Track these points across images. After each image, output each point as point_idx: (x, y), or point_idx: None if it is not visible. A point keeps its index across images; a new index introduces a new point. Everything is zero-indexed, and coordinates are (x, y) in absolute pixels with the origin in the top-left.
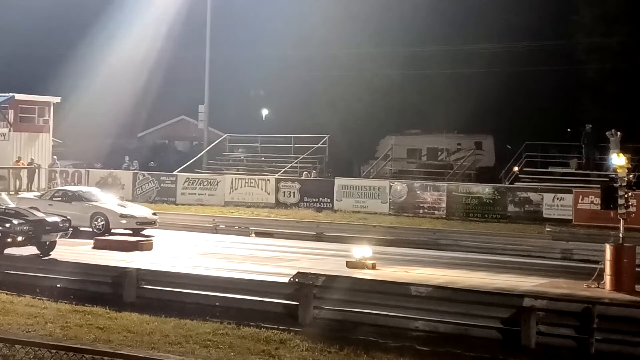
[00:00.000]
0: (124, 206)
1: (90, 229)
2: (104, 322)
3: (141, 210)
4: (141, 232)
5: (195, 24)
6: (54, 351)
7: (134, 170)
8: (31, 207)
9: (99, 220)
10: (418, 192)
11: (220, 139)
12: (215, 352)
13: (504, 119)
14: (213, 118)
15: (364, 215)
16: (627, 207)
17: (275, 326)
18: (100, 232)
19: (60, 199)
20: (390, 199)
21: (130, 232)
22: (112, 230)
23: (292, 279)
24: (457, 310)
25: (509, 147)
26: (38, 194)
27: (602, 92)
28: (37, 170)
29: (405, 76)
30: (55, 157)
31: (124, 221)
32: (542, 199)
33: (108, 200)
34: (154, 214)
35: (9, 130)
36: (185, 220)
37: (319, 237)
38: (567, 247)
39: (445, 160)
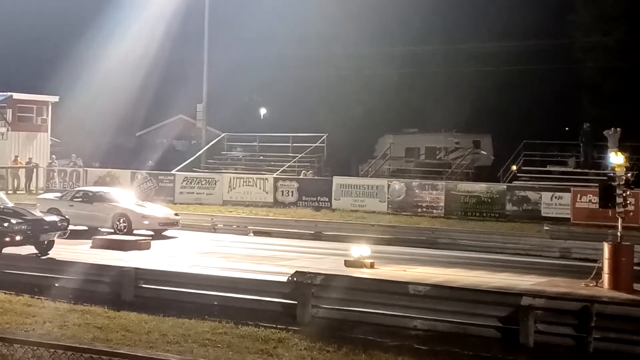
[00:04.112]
0: (143, 206)
1: (112, 230)
2: (102, 322)
3: (163, 211)
4: (162, 233)
5: (194, 23)
6: (52, 350)
7: (79, 167)
8: (51, 208)
9: (121, 221)
10: (416, 191)
11: (219, 138)
12: (214, 351)
13: (502, 118)
14: (211, 117)
15: (362, 214)
16: (625, 205)
17: (274, 325)
18: (122, 234)
19: (81, 199)
20: (388, 197)
21: (152, 233)
22: (134, 232)
23: (290, 278)
24: (456, 309)
25: (486, 152)
26: (58, 194)
27: (600, 90)
28: (35, 170)
29: (403, 75)
30: (54, 156)
31: (146, 222)
32: (540, 197)
33: (128, 201)
34: (176, 214)
35: (7, 130)
36: (184, 220)
37: (317, 236)
38: (565, 245)
39: (443, 159)
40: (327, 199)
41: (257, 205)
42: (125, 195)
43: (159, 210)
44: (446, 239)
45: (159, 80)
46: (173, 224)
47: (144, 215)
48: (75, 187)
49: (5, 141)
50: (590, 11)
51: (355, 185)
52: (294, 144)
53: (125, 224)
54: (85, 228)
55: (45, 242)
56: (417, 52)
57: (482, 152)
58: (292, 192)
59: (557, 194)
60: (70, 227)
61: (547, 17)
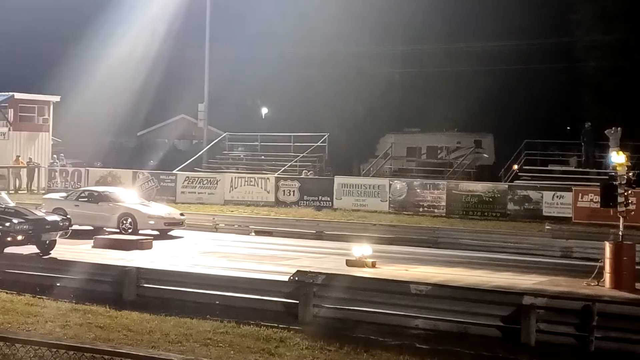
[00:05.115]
0: (148, 206)
1: (118, 230)
2: (104, 321)
3: (168, 211)
4: (168, 233)
5: (195, 22)
6: (54, 350)
7: (62, 167)
8: (57, 208)
9: (126, 221)
10: (418, 190)
11: (220, 137)
12: (216, 350)
13: (504, 117)
14: (213, 117)
15: (364, 214)
16: (626, 204)
17: (275, 324)
18: (128, 233)
19: (86, 199)
20: (390, 197)
21: (157, 232)
22: (140, 231)
23: (292, 278)
24: (457, 308)
25: (487, 152)
26: (64, 194)
27: (602, 89)
28: (36, 170)
29: (405, 74)
30: (55, 155)
31: (152, 222)
32: (542, 197)
33: (134, 201)
34: (182, 214)
35: (9, 130)
36: (185, 219)
37: (318, 236)
38: (566, 245)
39: (444, 159)
40: (328, 199)
41: (259, 205)
42: (130, 195)
43: (164, 209)
44: (447, 238)
45: (160, 79)
46: (179, 223)
47: (150, 215)
48: (77, 187)
49: (7, 141)
50: (591, 9)
51: (356, 184)
52: (296, 144)
53: (130, 224)
54: (90, 228)
55: (47, 242)
56: (418, 52)
57: (484, 155)
58: (294, 191)
59: (559, 193)
60: (76, 226)
61: (548, 16)
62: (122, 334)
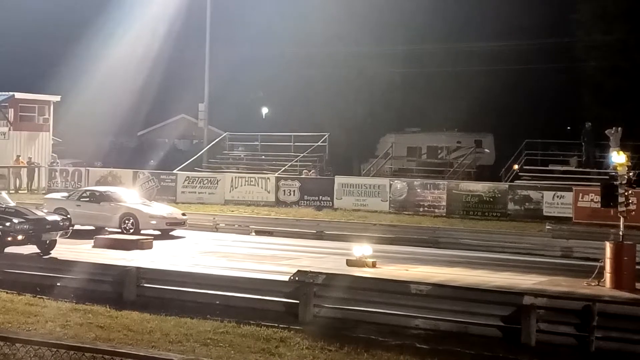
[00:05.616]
0: (150, 206)
1: (119, 230)
2: (104, 321)
3: (170, 210)
4: (170, 233)
5: (196, 22)
6: (55, 350)
7: (57, 166)
8: (58, 208)
9: (128, 221)
10: (418, 190)
11: (220, 137)
12: (216, 350)
13: (504, 117)
14: (213, 116)
15: (364, 214)
16: (627, 204)
17: (276, 324)
18: (130, 233)
19: (88, 199)
20: (390, 197)
21: (159, 232)
22: (142, 232)
23: (292, 278)
24: (457, 308)
25: (488, 151)
26: (65, 194)
27: (602, 89)
28: (37, 169)
29: (405, 74)
30: (55, 155)
31: (153, 222)
32: (542, 197)
33: (135, 200)
34: (183, 214)
35: (9, 129)
36: (187, 219)
37: (319, 236)
38: (567, 244)
39: (445, 159)
40: (329, 199)
41: (259, 205)
42: (132, 195)
43: (166, 209)
44: (448, 238)
45: (161, 79)
46: (180, 223)
47: (152, 215)
48: (78, 187)
49: (7, 140)
50: (591, 9)
51: (357, 184)
52: (296, 144)
53: (132, 224)
54: (91, 227)
55: (47, 242)
56: (418, 52)
57: (486, 150)
58: (294, 191)
59: (559, 193)
60: (78, 226)
61: (548, 16)
62: (123, 333)
